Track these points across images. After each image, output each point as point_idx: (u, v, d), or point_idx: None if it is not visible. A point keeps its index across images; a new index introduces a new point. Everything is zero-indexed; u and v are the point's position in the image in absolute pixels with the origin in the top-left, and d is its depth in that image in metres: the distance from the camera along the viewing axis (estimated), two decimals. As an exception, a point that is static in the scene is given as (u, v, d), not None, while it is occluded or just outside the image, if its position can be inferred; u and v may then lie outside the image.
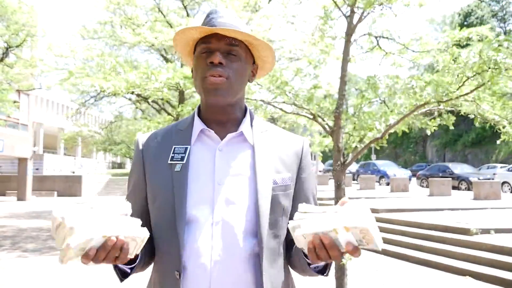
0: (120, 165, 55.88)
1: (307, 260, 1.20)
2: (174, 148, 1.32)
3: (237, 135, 1.32)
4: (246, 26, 1.36)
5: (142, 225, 1.35)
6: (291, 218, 1.26)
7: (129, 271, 1.25)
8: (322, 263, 1.20)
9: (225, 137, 1.30)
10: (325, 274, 1.23)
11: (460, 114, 4.87)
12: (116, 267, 1.23)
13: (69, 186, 31.40)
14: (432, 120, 5.00)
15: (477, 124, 4.59)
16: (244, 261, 1.21)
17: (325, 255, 1.03)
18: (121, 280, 1.25)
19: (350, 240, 1.00)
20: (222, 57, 1.26)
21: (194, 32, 1.29)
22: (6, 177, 32.17)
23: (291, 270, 1.37)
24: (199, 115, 1.37)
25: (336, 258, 1.03)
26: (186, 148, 1.30)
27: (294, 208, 1.31)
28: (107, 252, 1.03)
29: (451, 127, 5.10)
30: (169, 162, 1.30)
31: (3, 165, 34.80)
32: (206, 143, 1.32)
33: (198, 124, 1.34)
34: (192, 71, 1.38)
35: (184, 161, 1.28)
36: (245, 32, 1.28)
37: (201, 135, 1.33)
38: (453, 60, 4.35)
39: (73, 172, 37.22)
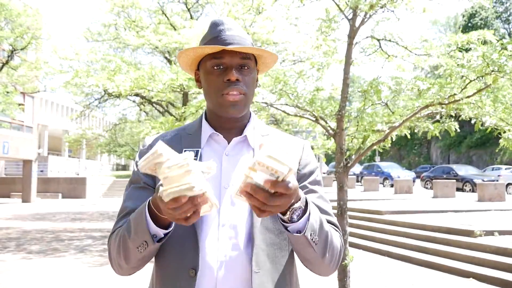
0: (124, 167, 56.01)
1: (283, 224, 1.16)
2: (185, 151, 1.34)
3: (241, 139, 1.36)
4: (248, 35, 1.39)
5: None
6: None
7: (163, 235, 1.20)
8: (296, 223, 1.14)
9: (231, 141, 1.35)
10: (304, 232, 1.15)
11: (461, 119, 4.87)
12: (148, 230, 1.17)
13: (73, 188, 31.52)
14: (435, 124, 5.01)
15: (479, 127, 4.59)
16: (247, 262, 1.24)
17: (258, 202, 0.99)
18: (154, 243, 1.19)
19: (264, 178, 0.97)
20: (237, 73, 1.30)
21: (208, 50, 1.32)
22: (10, 179, 32.32)
23: (296, 269, 1.38)
24: (206, 120, 1.41)
25: (267, 201, 0.98)
26: (197, 151, 1.34)
27: None
28: (194, 206, 1.00)
29: (452, 134, 5.10)
30: None
31: (8, 167, 34.95)
32: (213, 148, 1.36)
33: (206, 129, 1.38)
34: (196, 80, 1.42)
35: None
36: (258, 47, 1.33)
37: (209, 139, 1.38)
38: (456, 63, 4.37)
39: (78, 174, 37.34)
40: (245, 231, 1.26)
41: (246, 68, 1.32)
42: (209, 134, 1.37)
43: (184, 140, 1.39)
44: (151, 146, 1.40)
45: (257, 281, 1.23)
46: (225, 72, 1.30)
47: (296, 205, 1.13)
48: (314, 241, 1.18)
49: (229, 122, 1.37)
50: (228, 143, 1.35)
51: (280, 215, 1.14)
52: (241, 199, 1.02)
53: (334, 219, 1.37)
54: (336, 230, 1.35)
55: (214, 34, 1.33)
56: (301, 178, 1.37)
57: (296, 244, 1.21)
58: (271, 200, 0.99)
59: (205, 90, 1.36)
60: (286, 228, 1.16)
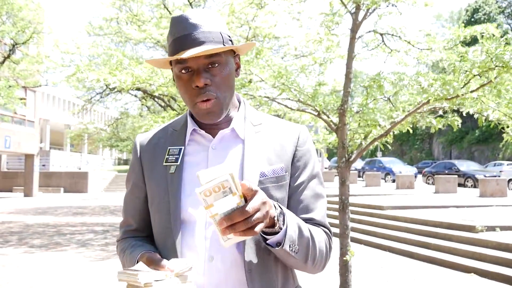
0: (126, 162, 56.08)
1: (263, 237, 1.16)
2: (169, 149, 1.33)
3: (228, 131, 1.31)
4: (218, 21, 1.27)
5: (141, 224, 1.39)
6: (289, 209, 1.25)
7: None
8: (275, 236, 1.13)
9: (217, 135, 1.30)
10: (282, 245, 1.14)
11: (463, 114, 4.84)
12: None
13: (75, 182, 31.60)
14: (438, 119, 4.98)
15: (482, 123, 4.56)
16: (235, 261, 1.21)
17: (242, 223, 1.00)
18: None
19: (223, 202, 0.99)
20: (205, 76, 1.21)
21: (169, 59, 1.26)
22: (13, 173, 32.42)
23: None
24: (191, 115, 1.37)
25: (246, 213, 1.00)
26: (180, 149, 1.31)
27: (292, 199, 1.30)
28: None
29: (455, 128, 5.08)
30: (164, 163, 1.31)
31: (10, 161, 35.04)
32: (199, 143, 1.32)
33: (190, 125, 1.34)
34: (174, 79, 1.35)
35: (178, 163, 1.29)
36: (223, 46, 1.23)
37: (194, 134, 1.33)
38: (459, 58, 4.34)
39: (79, 169, 37.41)
40: None
41: (216, 65, 1.23)
42: (192, 129, 1.32)
43: (170, 137, 1.36)
44: (140, 144, 1.40)
45: (252, 281, 1.20)
46: (192, 77, 1.22)
47: (277, 211, 1.12)
48: (294, 251, 1.16)
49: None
50: (214, 137, 1.30)
51: (264, 229, 1.11)
52: (232, 241, 1.04)
53: (324, 219, 1.33)
54: (323, 230, 1.31)
55: (175, 35, 1.25)
56: (295, 171, 1.31)
57: (277, 254, 1.19)
58: (249, 210, 1.00)
59: (180, 95, 1.30)
60: (265, 241, 1.15)
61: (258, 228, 1.02)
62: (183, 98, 1.28)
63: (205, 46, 1.20)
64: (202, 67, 1.22)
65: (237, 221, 0.99)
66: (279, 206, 1.15)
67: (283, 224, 1.13)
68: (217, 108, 1.25)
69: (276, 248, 1.14)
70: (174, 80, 1.34)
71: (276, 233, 1.12)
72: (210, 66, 1.23)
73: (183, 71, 1.24)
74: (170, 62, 1.31)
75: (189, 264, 1.12)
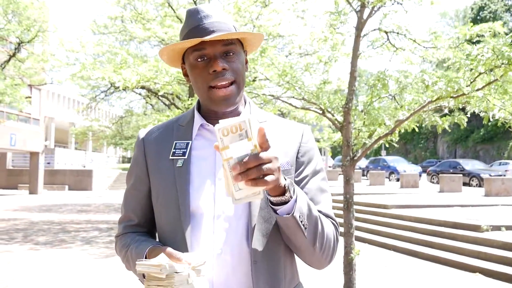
0: (130, 160, 56.01)
1: (272, 207, 1.15)
2: (176, 143, 1.33)
3: None
4: (229, 17, 1.33)
5: (143, 219, 1.39)
6: None
7: None
8: (285, 206, 1.13)
9: None
10: (292, 213, 1.14)
11: (468, 111, 4.81)
12: None
13: (80, 180, 31.70)
14: (443, 117, 4.96)
15: (487, 123, 4.54)
16: (243, 254, 1.22)
17: (255, 170, 1.00)
18: None
19: (238, 146, 1.00)
20: (222, 62, 1.24)
21: (188, 44, 1.26)
22: (18, 171, 32.55)
23: (295, 260, 1.36)
24: (199, 110, 1.38)
25: (260, 159, 1.00)
26: (187, 143, 1.32)
27: None
28: None
29: (463, 126, 5.05)
30: (170, 157, 1.31)
31: (15, 159, 35.18)
32: (207, 138, 1.33)
33: (198, 119, 1.34)
34: (184, 74, 1.37)
35: (186, 157, 1.29)
36: (240, 31, 1.27)
37: (201, 129, 1.34)
38: (465, 56, 4.31)
39: (84, 166, 37.54)
40: (241, 222, 1.23)
41: (231, 54, 1.26)
42: (200, 124, 1.33)
43: (176, 131, 1.37)
44: (144, 139, 1.40)
45: (256, 273, 1.20)
46: (209, 63, 1.25)
47: (287, 181, 1.12)
48: (303, 225, 1.16)
49: (221, 112, 1.33)
50: None
51: (273, 198, 1.12)
52: (243, 193, 1.03)
53: (330, 212, 1.33)
54: (332, 222, 1.31)
55: (192, 25, 1.27)
56: (299, 166, 1.33)
57: (286, 228, 1.18)
58: (263, 157, 1.00)
59: (193, 85, 1.31)
60: (275, 211, 1.14)
61: (270, 178, 1.01)
62: (196, 86, 1.29)
63: (223, 33, 1.23)
64: (219, 54, 1.25)
65: (250, 166, 0.99)
66: (289, 180, 1.15)
67: (293, 194, 1.13)
68: (234, 93, 1.28)
69: (286, 215, 1.13)
70: (185, 76, 1.36)
71: (285, 202, 1.12)
72: (225, 54, 1.26)
73: (199, 59, 1.26)
74: (182, 58, 1.33)
75: (203, 258, 1.14)
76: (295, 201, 1.13)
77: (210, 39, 1.21)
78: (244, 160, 0.99)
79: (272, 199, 1.12)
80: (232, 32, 1.26)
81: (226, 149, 0.99)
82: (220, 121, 1.01)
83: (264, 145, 1.02)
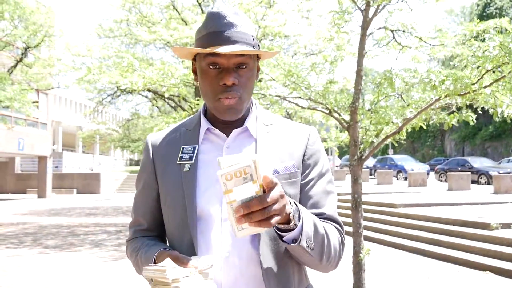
0: (138, 162, 56.43)
1: (278, 234, 1.15)
2: (183, 148, 1.34)
3: (242, 130, 1.33)
4: (251, 24, 1.31)
5: (152, 223, 1.41)
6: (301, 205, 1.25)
7: None
8: (291, 232, 1.12)
9: (231, 134, 1.31)
10: (299, 241, 1.13)
11: (477, 108, 4.78)
12: None
13: (87, 183, 31.89)
14: (451, 115, 4.93)
15: (496, 119, 4.50)
16: (250, 257, 1.22)
17: (259, 213, 0.99)
18: None
19: (242, 189, 0.98)
20: (234, 76, 1.24)
21: (203, 51, 1.25)
22: (26, 175, 32.80)
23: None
24: (205, 114, 1.38)
25: (265, 202, 0.99)
26: (194, 148, 1.32)
27: (302, 195, 1.31)
28: None
29: (471, 123, 5.01)
30: (178, 162, 1.32)
31: (24, 163, 35.46)
32: (213, 142, 1.34)
33: (204, 124, 1.35)
34: (193, 71, 1.36)
35: (193, 161, 1.30)
36: (255, 50, 1.26)
37: (208, 133, 1.34)
38: (472, 52, 4.28)
39: (92, 170, 37.73)
40: None
41: (244, 67, 1.25)
42: (206, 128, 1.34)
43: (183, 136, 1.37)
44: (152, 144, 1.41)
45: (267, 276, 1.21)
46: (221, 74, 1.24)
47: (293, 208, 1.12)
48: (310, 248, 1.16)
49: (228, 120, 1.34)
50: (228, 135, 1.31)
51: (280, 226, 1.11)
52: (246, 231, 1.03)
53: (335, 214, 1.33)
54: (335, 227, 1.31)
55: (210, 29, 1.25)
56: (306, 169, 1.33)
57: (292, 251, 1.19)
58: (267, 200, 0.99)
59: (201, 88, 1.31)
60: (281, 238, 1.14)
61: (274, 220, 1.02)
62: (205, 92, 1.29)
63: (240, 46, 1.22)
64: (232, 66, 1.24)
65: (254, 209, 0.99)
66: (295, 203, 1.15)
67: (299, 221, 1.13)
68: (239, 106, 1.27)
69: (293, 244, 1.13)
70: (193, 72, 1.36)
71: (291, 230, 1.12)
72: (239, 66, 1.25)
73: (211, 66, 1.25)
74: (195, 55, 1.32)
75: (210, 261, 1.14)
76: (301, 228, 1.13)
77: (226, 53, 1.19)
78: (248, 203, 0.99)
79: (287, 225, 1.12)
80: (249, 46, 1.25)
81: (229, 192, 0.98)
82: (220, 159, 1.00)
83: (270, 186, 1.02)
